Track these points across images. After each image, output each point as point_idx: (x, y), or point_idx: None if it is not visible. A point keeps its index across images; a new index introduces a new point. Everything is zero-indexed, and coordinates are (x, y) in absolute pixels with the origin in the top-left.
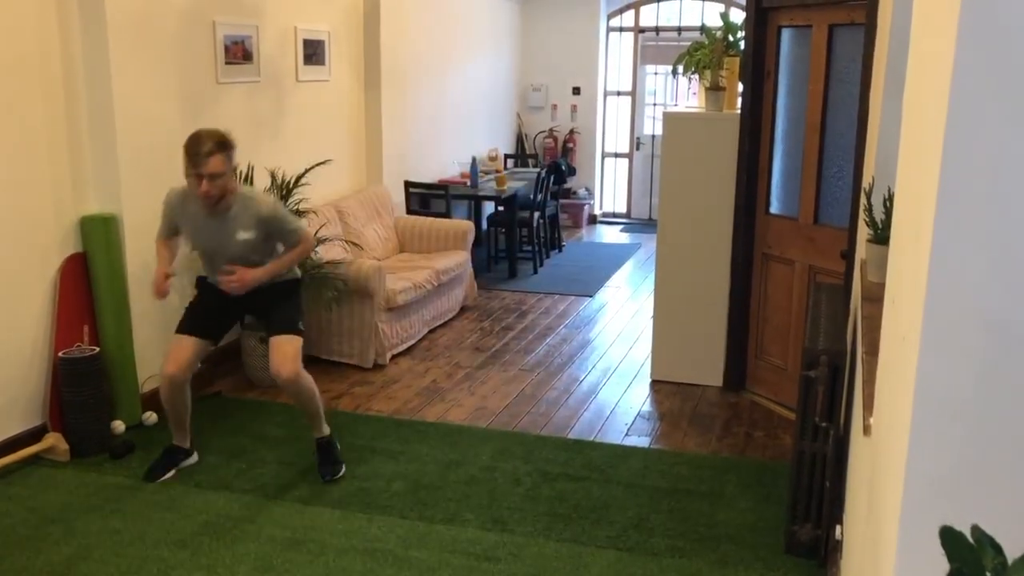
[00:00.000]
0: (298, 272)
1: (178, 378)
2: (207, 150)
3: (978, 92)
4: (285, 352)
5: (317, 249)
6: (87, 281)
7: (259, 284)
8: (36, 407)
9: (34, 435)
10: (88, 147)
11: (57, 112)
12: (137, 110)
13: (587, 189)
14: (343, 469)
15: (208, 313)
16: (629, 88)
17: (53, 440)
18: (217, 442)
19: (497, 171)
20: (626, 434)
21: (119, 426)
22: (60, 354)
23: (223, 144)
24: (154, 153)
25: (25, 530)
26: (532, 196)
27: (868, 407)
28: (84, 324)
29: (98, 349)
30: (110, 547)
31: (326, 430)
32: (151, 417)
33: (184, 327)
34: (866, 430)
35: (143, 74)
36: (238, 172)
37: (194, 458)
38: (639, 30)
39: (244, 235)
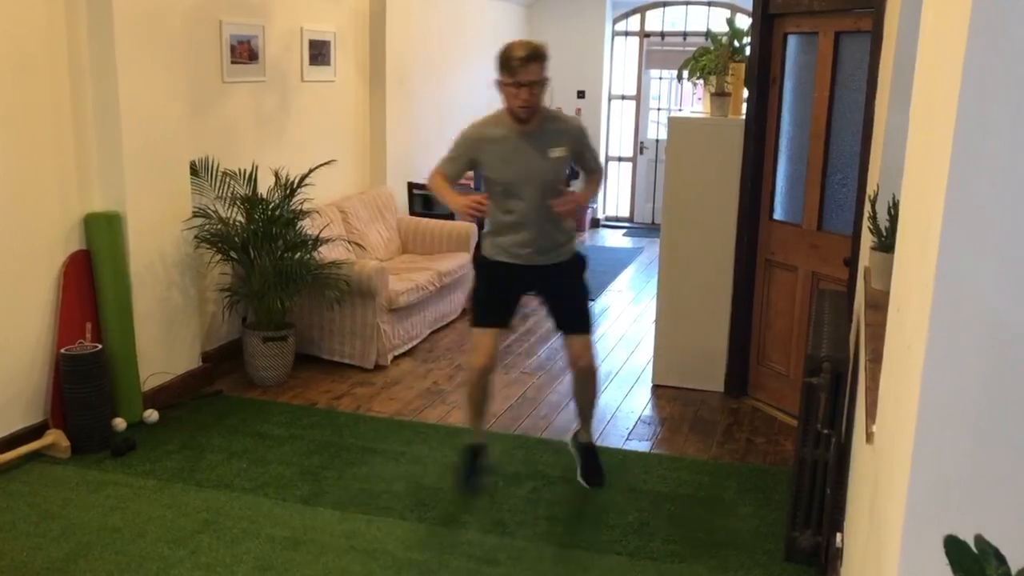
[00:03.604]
0: (585, 252)
1: (488, 367)
2: (525, 55)
3: (987, 101)
4: (586, 345)
5: (320, 249)
6: (90, 278)
7: (586, 206)
8: (37, 403)
9: (35, 431)
10: (93, 145)
11: (63, 110)
12: (143, 108)
13: None
14: (606, 479)
15: (499, 299)
16: (633, 92)
17: (54, 437)
18: (218, 441)
19: None
20: (627, 438)
21: (120, 423)
22: (62, 351)
23: (539, 51)
24: (159, 152)
25: (25, 526)
26: None
27: (871, 415)
28: (87, 321)
29: (100, 346)
30: (110, 544)
31: (591, 435)
32: (152, 415)
33: (483, 320)
34: (868, 438)
35: (149, 72)
36: (549, 85)
37: (486, 454)
38: (644, 35)
39: (557, 152)
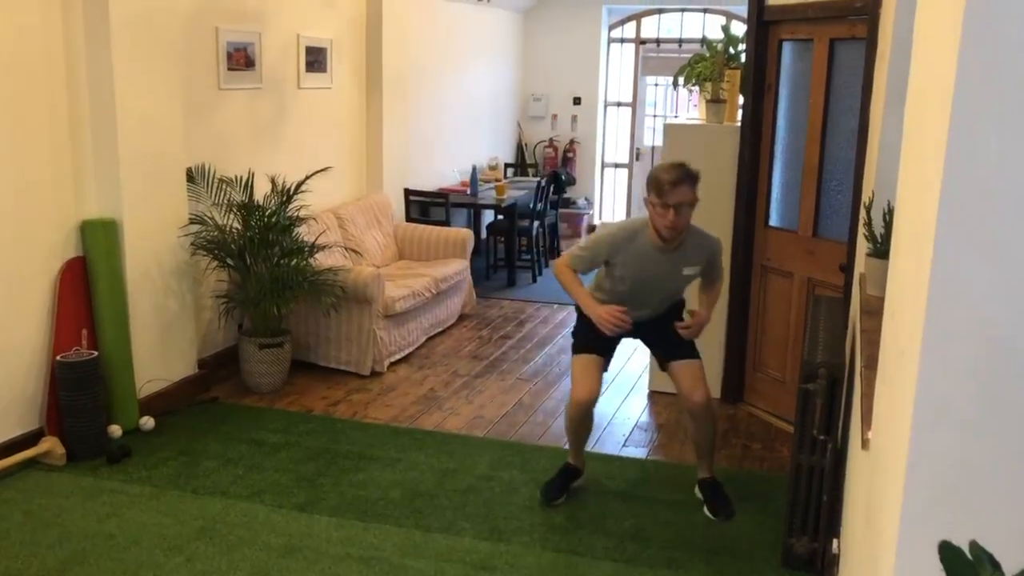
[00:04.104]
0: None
1: (590, 401)
2: (675, 178)
3: (980, 107)
4: (696, 375)
5: (316, 256)
6: (86, 285)
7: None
8: (33, 411)
9: (31, 439)
10: (90, 152)
11: (60, 116)
12: (139, 115)
13: (586, 199)
14: (735, 508)
15: (596, 338)
16: (629, 99)
17: (50, 444)
18: (214, 448)
19: (497, 180)
20: (624, 445)
21: (116, 430)
22: (58, 358)
23: (690, 174)
24: (155, 158)
25: (20, 534)
26: (532, 205)
27: (867, 421)
28: (83, 328)
29: (96, 353)
30: (105, 552)
31: (712, 471)
32: (148, 422)
33: (583, 348)
34: (864, 444)
35: (145, 79)
36: (697, 204)
37: (582, 479)
38: (640, 41)
39: (690, 271)
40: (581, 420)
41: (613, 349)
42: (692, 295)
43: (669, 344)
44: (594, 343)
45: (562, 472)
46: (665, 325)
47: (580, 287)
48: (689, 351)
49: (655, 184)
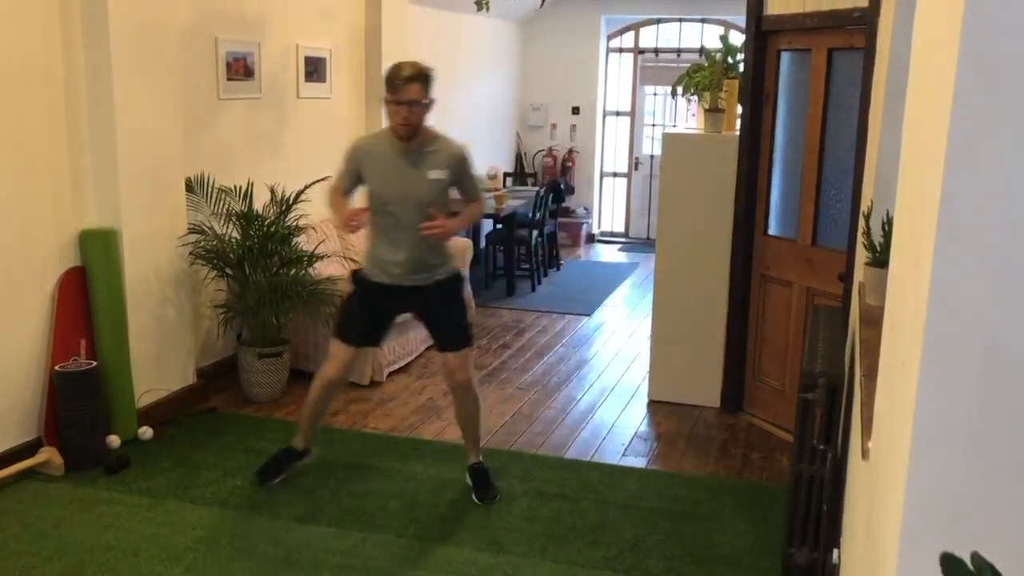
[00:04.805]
0: (459, 266)
1: (335, 381)
2: (408, 75)
3: (979, 116)
4: (462, 364)
5: (315, 266)
6: (85, 295)
7: (455, 234)
8: (31, 421)
9: (29, 449)
10: (89, 161)
11: (58, 126)
12: (138, 125)
13: (585, 208)
14: (498, 494)
15: (369, 318)
16: (628, 108)
17: (48, 454)
18: (213, 458)
19: (496, 189)
20: (623, 454)
21: (114, 441)
22: (56, 368)
23: (423, 73)
24: (155, 168)
25: (18, 545)
26: (531, 214)
27: (866, 431)
28: (81, 338)
29: (95, 363)
30: (104, 563)
31: (481, 456)
32: (146, 432)
33: (347, 336)
34: (864, 454)
35: (145, 89)
36: (433, 106)
37: (309, 457)
38: (639, 51)
39: (436, 174)
40: (325, 397)
41: (384, 330)
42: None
43: (444, 335)
44: (362, 329)
45: (281, 454)
46: (443, 315)
47: (339, 205)
48: (460, 343)
49: (390, 81)
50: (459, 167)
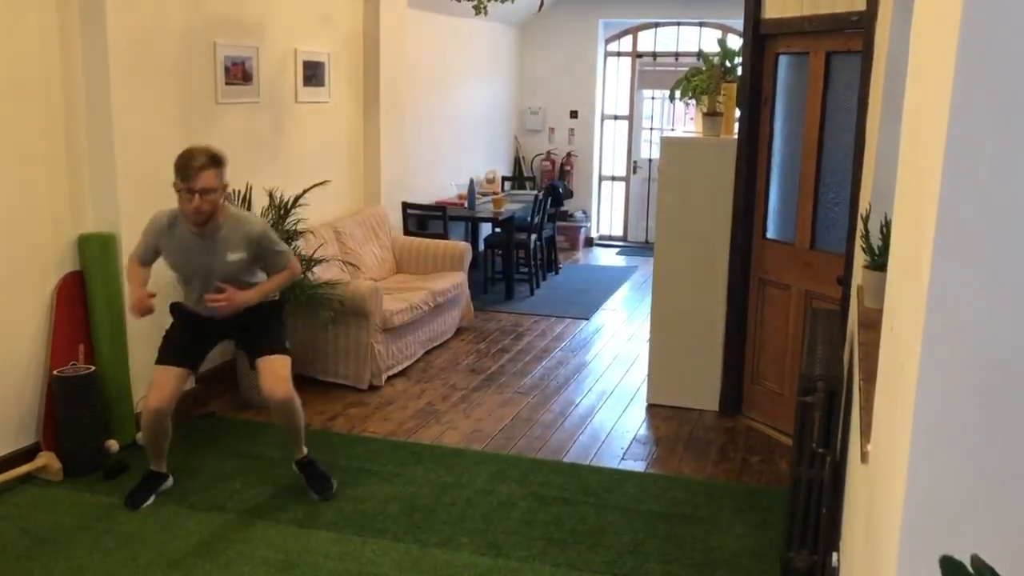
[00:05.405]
0: (278, 295)
1: (163, 410)
2: (199, 164)
3: (977, 119)
4: (277, 372)
5: (314, 269)
6: (84, 299)
7: (247, 305)
8: (30, 426)
9: (27, 454)
10: (87, 166)
11: (57, 131)
12: (136, 129)
13: (584, 212)
14: (334, 483)
15: (187, 342)
16: (626, 112)
17: (46, 459)
18: (211, 463)
19: (494, 193)
20: (622, 458)
21: (113, 445)
22: (55, 372)
23: (215, 159)
24: (153, 173)
25: (16, 550)
26: (529, 218)
27: (865, 434)
28: (80, 342)
29: (93, 368)
30: (102, 568)
31: (306, 450)
32: None
33: (165, 358)
34: (863, 457)
35: (143, 94)
36: (227, 191)
37: (170, 482)
38: (636, 55)
39: (234, 256)
40: (154, 427)
41: (205, 354)
42: None
43: (252, 342)
44: (183, 353)
45: (145, 479)
46: (252, 328)
47: (133, 279)
48: (272, 346)
49: (180, 169)
50: (257, 247)
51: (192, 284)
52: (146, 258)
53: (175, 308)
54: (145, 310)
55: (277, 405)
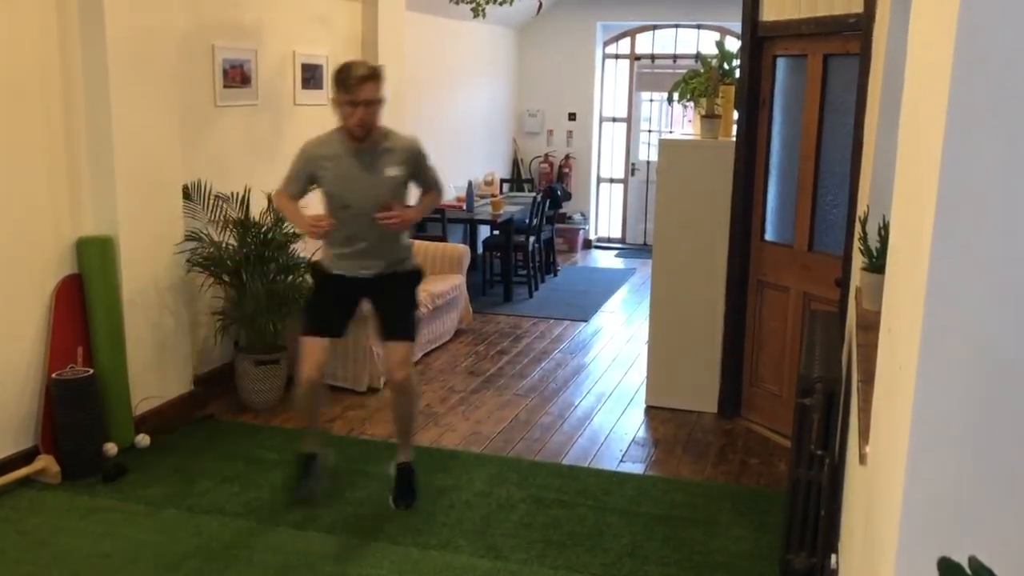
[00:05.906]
0: (420, 266)
1: (316, 380)
2: (361, 74)
3: (974, 121)
4: (403, 356)
5: None
6: (82, 302)
7: (416, 222)
8: (28, 429)
9: (25, 457)
10: (86, 169)
11: (56, 134)
12: (135, 132)
13: (582, 214)
14: (419, 504)
15: (332, 308)
16: (624, 114)
17: (45, 462)
18: (210, 465)
19: (493, 195)
20: (621, 460)
21: (112, 448)
22: (53, 375)
23: (375, 72)
24: (152, 175)
25: (15, 553)
26: (528, 220)
27: (864, 436)
28: (78, 345)
29: (92, 371)
30: (100, 571)
31: (412, 455)
32: (144, 439)
33: (312, 329)
34: (862, 459)
35: (142, 96)
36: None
37: (330, 456)
38: (635, 57)
39: (393, 171)
40: (312, 397)
41: (349, 320)
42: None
43: (390, 321)
44: (328, 323)
45: (305, 465)
46: (393, 300)
47: (293, 210)
48: (404, 333)
49: (342, 82)
50: (415, 161)
51: (352, 211)
52: (298, 189)
53: (316, 271)
54: (325, 228)
55: (396, 385)
